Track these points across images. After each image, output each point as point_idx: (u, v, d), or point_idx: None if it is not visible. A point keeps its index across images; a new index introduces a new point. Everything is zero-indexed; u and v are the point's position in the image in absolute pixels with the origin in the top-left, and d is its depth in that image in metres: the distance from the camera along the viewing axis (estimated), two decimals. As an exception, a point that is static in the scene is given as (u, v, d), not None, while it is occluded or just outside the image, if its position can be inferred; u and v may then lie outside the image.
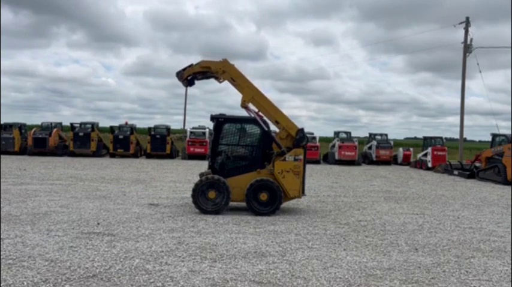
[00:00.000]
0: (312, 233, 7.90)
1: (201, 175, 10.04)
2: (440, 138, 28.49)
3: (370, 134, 31.54)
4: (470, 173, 20.76)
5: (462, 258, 6.54)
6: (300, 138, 9.72)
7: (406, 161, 29.81)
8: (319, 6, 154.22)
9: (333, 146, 29.84)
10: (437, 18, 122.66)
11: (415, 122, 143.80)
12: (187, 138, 28.70)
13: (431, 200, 12.75)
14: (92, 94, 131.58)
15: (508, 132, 22.01)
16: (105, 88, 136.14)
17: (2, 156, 24.57)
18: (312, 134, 28.85)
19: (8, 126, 28.39)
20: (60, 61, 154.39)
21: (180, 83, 10.36)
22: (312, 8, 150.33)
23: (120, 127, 29.25)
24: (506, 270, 6.01)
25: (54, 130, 29.04)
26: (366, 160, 29.74)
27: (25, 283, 4.90)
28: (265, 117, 9.90)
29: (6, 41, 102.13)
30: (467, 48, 28.04)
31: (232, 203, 9.75)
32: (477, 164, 21.80)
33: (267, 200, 9.49)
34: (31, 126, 32.25)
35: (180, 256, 6.13)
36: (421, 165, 26.75)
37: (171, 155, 28.46)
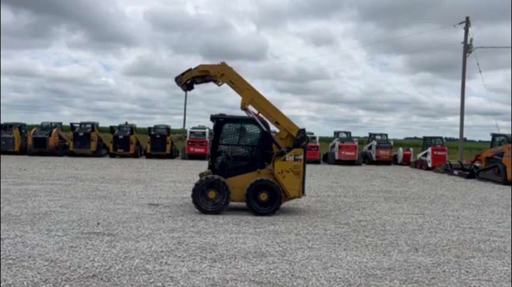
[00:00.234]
0: (312, 233, 7.90)
1: (201, 175, 10.04)
2: (440, 138, 28.49)
3: (370, 134, 31.52)
4: (470, 173, 20.75)
5: (462, 258, 6.54)
6: (300, 139, 9.73)
7: (406, 161, 29.80)
8: (319, 6, 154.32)
9: (333, 146, 29.81)
10: (437, 18, 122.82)
11: (415, 122, 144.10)
12: (187, 138, 28.68)
13: (431, 200, 12.75)
14: (92, 94, 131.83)
15: (508, 132, 22.04)
16: (105, 88, 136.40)
17: (2, 156, 24.57)
18: (312, 134, 28.83)
19: (8, 126, 28.37)
20: (60, 61, 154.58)
21: None
22: (312, 8, 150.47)
23: (120, 127, 29.23)
24: (506, 270, 6.01)
25: (54, 130, 29.03)
26: (366, 160, 29.72)
27: (25, 283, 4.90)
28: (265, 118, 9.91)
29: (6, 41, 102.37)
30: (467, 48, 28.06)
31: (232, 203, 9.75)
32: (477, 164, 21.79)
33: (267, 200, 9.49)
34: (31, 126, 32.27)
35: (180, 256, 6.13)
36: (421, 165, 26.74)
37: (171, 155, 28.44)
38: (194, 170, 19.57)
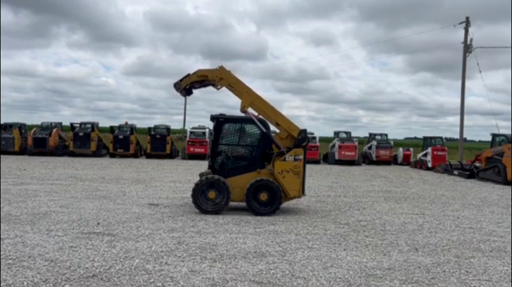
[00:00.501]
0: (312, 233, 7.90)
1: (201, 175, 10.04)
2: (440, 138, 28.49)
3: (370, 134, 31.52)
4: (470, 173, 20.75)
5: (462, 258, 6.54)
6: (301, 139, 9.75)
7: (406, 161, 29.80)
8: (319, 6, 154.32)
9: (333, 146, 29.81)
10: (437, 18, 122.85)
11: (415, 122, 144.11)
12: (187, 138, 28.68)
13: (431, 200, 12.75)
14: (92, 94, 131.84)
15: (508, 132, 22.03)
16: (105, 88, 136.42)
17: (2, 156, 24.57)
18: (312, 134, 28.83)
19: (8, 126, 28.37)
20: (60, 61, 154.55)
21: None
22: (312, 8, 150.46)
23: (120, 127, 29.22)
24: (506, 270, 6.01)
25: (54, 130, 29.03)
26: (366, 160, 29.72)
27: (25, 283, 4.90)
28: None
29: (6, 41, 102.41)
30: (467, 48, 28.05)
31: (232, 203, 9.75)
32: (477, 164, 21.79)
33: (267, 200, 9.49)
34: (31, 126, 32.26)
35: (180, 256, 6.13)
36: (421, 165, 26.74)
37: (171, 155, 28.44)
38: (194, 170, 19.57)
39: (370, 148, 30.08)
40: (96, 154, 27.56)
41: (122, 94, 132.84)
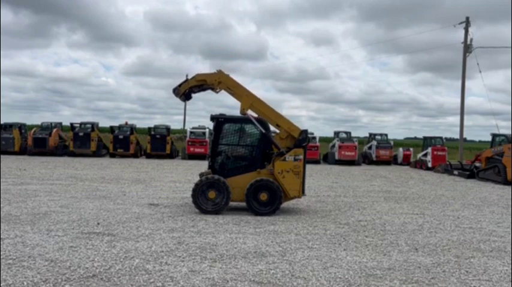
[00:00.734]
0: (312, 233, 7.90)
1: (201, 175, 10.04)
2: (440, 138, 28.49)
3: (370, 134, 31.52)
4: (470, 173, 20.75)
5: (462, 258, 6.54)
6: (302, 139, 9.75)
7: (406, 161, 29.80)
8: (319, 6, 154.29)
9: (333, 146, 29.82)
10: (437, 18, 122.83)
11: (415, 122, 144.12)
12: (187, 138, 28.69)
13: (431, 200, 12.75)
14: (92, 94, 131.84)
15: (508, 132, 22.03)
16: (105, 88, 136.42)
17: (2, 156, 24.57)
18: (312, 134, 28.84)
19: (8, 126, 28.37)
20: (60, 61, 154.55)
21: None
22: (312, 8, 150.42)
23: (120, 127, 29.23)
24: (506, 270, 6.01)
25: (54, 130, 29.03)
26: (366, 160, 29.73)
27: (25, 283, 4.90)
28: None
29: (6, 41, 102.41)
30: (467, 48, 28.05)
31: (232, 203, 9.75)
32: (477, 164, 21.79)
33: (267, 200, 9.49)
34: (31, 126, 32.27)
35: (180, 256, 6.13)
36: (421, 165, 26.74)
37: (171, 155, 28.44)
38: (194, 170, 19.58)
39: (370, 148, 30.09)
40: (96, 154, 27.56)
41: (121, 94, 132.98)
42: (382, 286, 5.21)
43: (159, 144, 27.82)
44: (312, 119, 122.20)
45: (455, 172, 22.14)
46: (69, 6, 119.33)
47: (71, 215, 8.82)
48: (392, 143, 30.28)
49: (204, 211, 9.38)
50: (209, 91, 10.42)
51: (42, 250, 6.22)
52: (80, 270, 5.41)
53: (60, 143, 28.90)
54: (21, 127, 29.52)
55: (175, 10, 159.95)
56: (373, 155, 29.15)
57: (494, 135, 20.86)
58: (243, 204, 9.76)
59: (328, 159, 29.02)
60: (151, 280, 5.13)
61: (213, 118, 9.94)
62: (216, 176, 9.51)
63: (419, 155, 27.63)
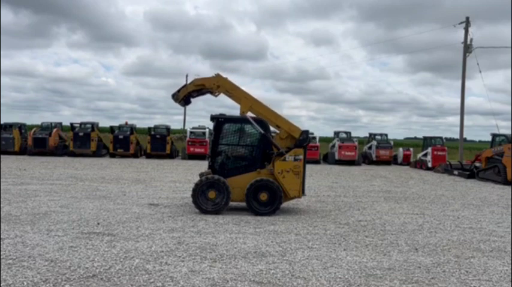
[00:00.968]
0: (312, 233, 7.91)
1: (201, 175, 10.05)
2: (440, 138, 28.49)
3: (370, 134, 31.53)
4: (470, 173, 20.75)
5: (462, 258, 6.54)
6: (303, 139, 9.76)
7: (406, 161, 29.80)
8: (319, 6, 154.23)
9: (333, 146, 29.82)
10: (437, 18, 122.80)
11: (415, 122, 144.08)
12: (187, 138, 28.69)
13: (431, 200, 12.75)
14: (92, 94, 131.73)
15: (508, 132, 22.04)
16: (105, 88, 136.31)
17: (2, 156, 24.57)
18: (312, 134, 28.83)
19: (8, 126, 28.37)
20: (60, 61, 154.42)
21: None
22: (312, 8, 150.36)
23: (120, 127, 29.23)
24: (506, 270, 6.01)
25: (54, 130, 29.04)
26: (366, 160, 29.73)
27: (25, 283, 4.90)
28: None
29: (6, 41, 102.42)
30: (467, 48, 28.06)
31: (232, 203, 9.75)
32: (477, 164, 21.79)
33: (267, 200, 9.49)
34: (31, 126, 32.27)
35: (180, 256, 6.13)
36: (421, 165, 26.74)
37: (171, 155, 28.45)
38: (194, 170, 19.58)
39: (370, 147, 30.09)
40: (96, 154, 27.56)
41: (121, 94, 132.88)
42: (382, 286, 5.21)
43: (159, 144, 27.83)
44: (312, 119, 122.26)
45: (455, 172, 22.14)
46: (69, 6, 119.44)
47: (71, 215, 8.82)
48: (392, 143, 30.28)
49: (204, 211, 9.38)
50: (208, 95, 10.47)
51: (42, 250, 6.22)
52: (80, 270, 5.41)
53: (60, 143, 28.90)
54: (21, 127, 29.52)
55: (175, 10, 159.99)
56: (373, 155, 29.16)
57: (494, 136, 20.87)
58: (243, 204, 9.76)
59: (328, 159, 29.03)
60: (151, 280, 5.13)
61: (213, 118, 9.94)
62: (216, 176, 9.51)
63: (419, 155, 27.64)
